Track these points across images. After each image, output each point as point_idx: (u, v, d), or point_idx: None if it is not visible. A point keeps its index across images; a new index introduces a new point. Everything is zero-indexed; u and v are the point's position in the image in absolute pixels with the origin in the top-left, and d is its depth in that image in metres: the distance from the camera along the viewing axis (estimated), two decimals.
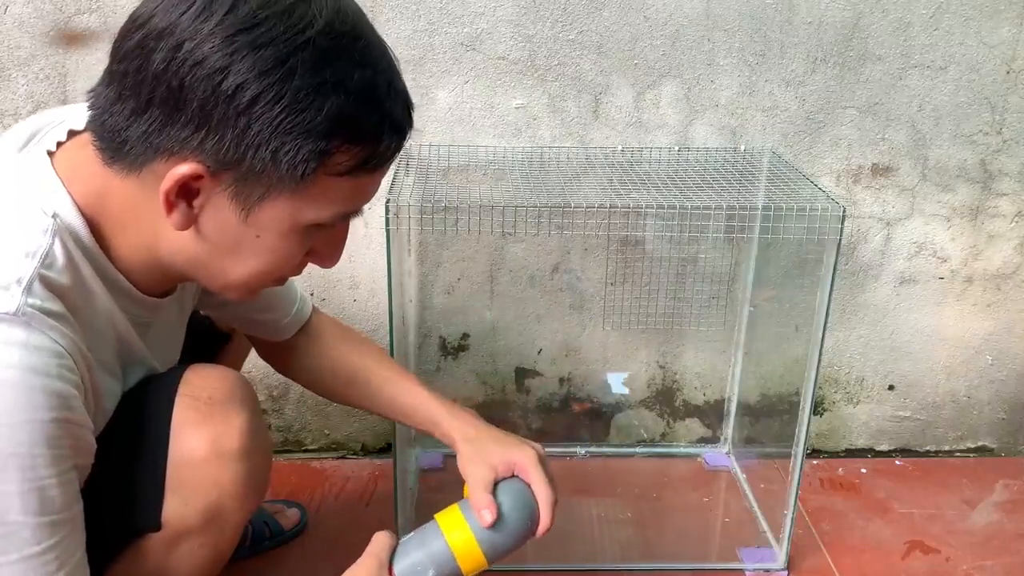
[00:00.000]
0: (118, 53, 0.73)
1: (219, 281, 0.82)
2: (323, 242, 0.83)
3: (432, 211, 1.15)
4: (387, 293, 1.21)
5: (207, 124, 0.70)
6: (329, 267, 0.86)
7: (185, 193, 0.74)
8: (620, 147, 1.43)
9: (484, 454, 1.01)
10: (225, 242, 0.78)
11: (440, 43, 1.38)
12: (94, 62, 1.36)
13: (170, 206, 0.74)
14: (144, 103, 0.71)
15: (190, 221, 0.76)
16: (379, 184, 0.81)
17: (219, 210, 0.75)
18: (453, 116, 1.42)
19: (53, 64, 1.36)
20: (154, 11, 0.71)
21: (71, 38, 1.35)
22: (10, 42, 1.35)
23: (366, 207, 0.82)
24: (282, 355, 1.16)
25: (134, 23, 0.72)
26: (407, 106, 0.77)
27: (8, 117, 1.38)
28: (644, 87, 1.43)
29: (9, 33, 1.34)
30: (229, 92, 0.69)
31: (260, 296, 1.07)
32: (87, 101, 0.76)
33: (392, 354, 1.27)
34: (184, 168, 0.72)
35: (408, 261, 1.49)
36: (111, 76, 0.73)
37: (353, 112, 0.72)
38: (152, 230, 0.78)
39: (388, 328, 1.25)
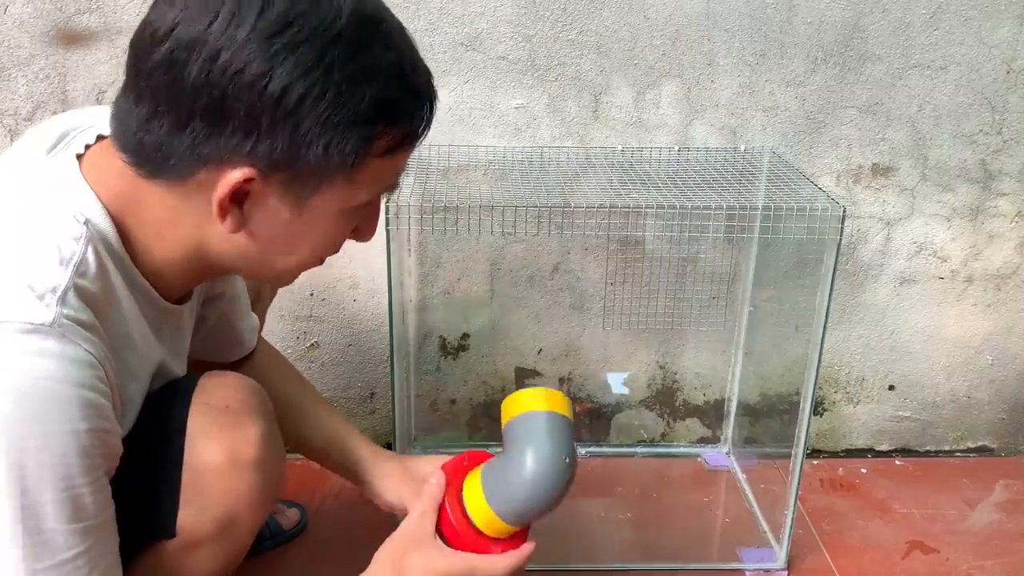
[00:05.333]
0: (142, 70, 0.72)
1: (265, 273, 0.85)
2: (363, 218, 0.85)
3: (432, 211, 1.15)
4: (387, 293, 1.21)
5: (257, 129, 0.71)
6: (368, 239, 0.88)
7: (236, 197, 0.75)
8: (620, 147, 1.43)
9: (407, 465, 1.10)
10: (276, 237, 0.79)
11: (440, 43, 1.38)
12: (94, 62, 1.36)
13: (223, 212, 0.75)
14: (185, 117, 0.71)
15: (242, 223, 0.77)
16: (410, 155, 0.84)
17: (270, 208, 0.77)
18: (453, 116, 1.42)
19: (53, 64, 1.36)
20: (175, 22, 0.70)
21: (71, 38, 1.35)
22: (10, 42, 1.35)
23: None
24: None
25: (154, 36, 0.71)
26: (429, 80, 0.80)
27: (8, 117, 1.38)
28: (644, 87, 1.43)
29: (9, 33, 1.34)
30: (276, 95, 0.70)
31: (237, 308, 1.10)
32: (111, 121, 0.76)
33: (392, 354, 1.27)
34: (237, 174, 0.73)
35: (408, 261, 1.50)
36: (140, 93, 0.73)
37: (389, 95, 0.74)
38: (197, 235, 0.79)
39: (388, 328, 1.25)
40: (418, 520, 0.98)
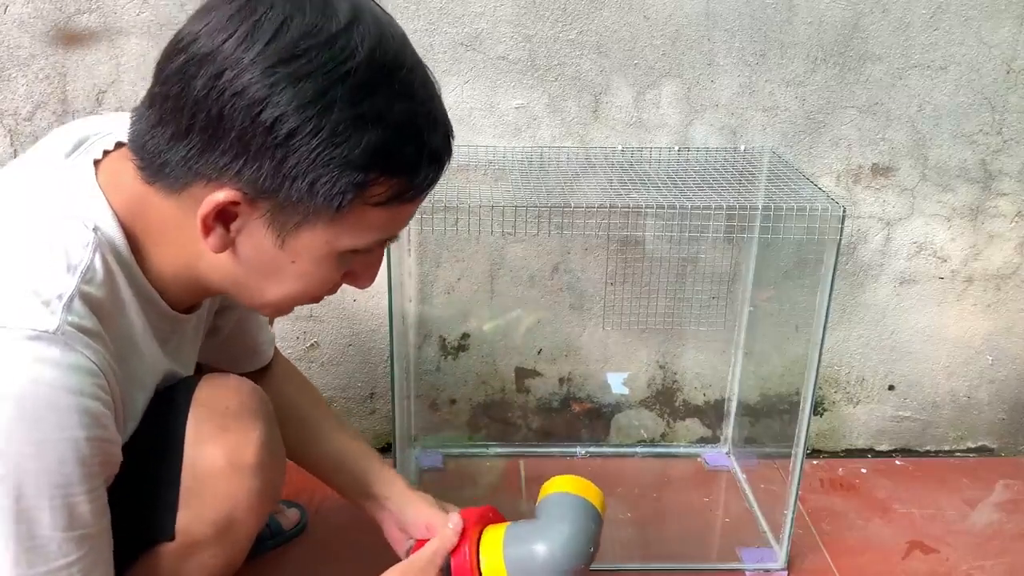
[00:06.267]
0: (160, 75, 0.73)
1: (256, 300, 0.83)
2: (359, 265, 0.84)
3: (432, 211, 1.15)
4: (387, 293, 1.21)
5: (245, 153, 0.70)
6: (364, 287, 0.87)
7: (222, 217, 0.75)
8: (620, 147, 1.43)
9: (439, 503, 1.08)
10: (261, 265, 0.78)
11: (440, 43, 1.38)
12: (94, 62, 1.36)
13: (207, 230, 0.75)
14: (184, 128, 0.71)
15: (227, 244, 0.77)
16: (415, 210, 0.81)
17: (256, 235, 0.76)
18: (453, 116, 1.39)
19: (53, 64, 1.36)
20: (198, 34, 0.71)
21: (71, 38, 1.35)
22: (10, 42, 1.35)
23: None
24: None
25: (177, 45, 0.72)
26: (447, 135, 0.78)
27: (8, 117, 1.38)
28: (644, 87, 1.43)
29: (9, 33, 1.34)
30: (267, 124, 0.69)
31: (251, 319, 1.09)
32: (130, 120, 0.77)
33: (392, 354, 1.27)
34: (221, 195, 0.72)
35: (408, 261, 1.49)
36: (153, 98, 0.74)
37: (391, 145, 0.72)
38: (190, 249, 0.79)
39: (388, 328, 1.25)
40: (429, 557, 0.99)
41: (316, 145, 0.70)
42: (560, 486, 1.02)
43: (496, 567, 0.98)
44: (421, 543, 1.04)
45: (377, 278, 0.88)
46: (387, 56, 0.72)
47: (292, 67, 0.69)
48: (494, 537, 1.01)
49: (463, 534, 1.01)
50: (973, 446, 1.70)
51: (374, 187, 0.74)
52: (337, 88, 0.69)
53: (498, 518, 1.06)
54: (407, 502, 1.09)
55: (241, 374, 1.11)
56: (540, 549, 0.97)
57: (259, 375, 1.15)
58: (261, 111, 0.69)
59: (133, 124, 0.76)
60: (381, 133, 0.71)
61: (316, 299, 0.85)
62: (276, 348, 1.19)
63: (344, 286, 0.86)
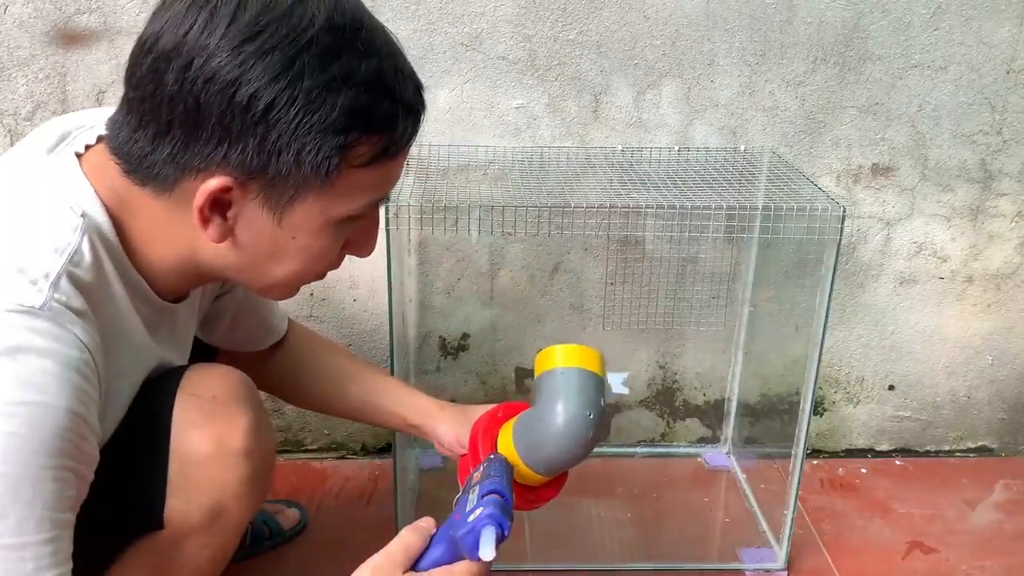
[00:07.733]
0: (132, 80, 0.74)
1: (261, 283, 0.84)
2: (357, 232, 0.84)
3: (432, 211, 1.15)
4: (387, 293, 1.21)
5: (228, 137, 0.71)
6: (366, 256, 0.87)
7: (218, 206, 0.75)
8: (620, 147, 1.43)
9: (467, 412, 1.08)
10: (262, 247, 0.79)
11: (440, 43, 1.38)
12: (94, 62, 1.36)
13: (205, 221, 0.76)
14: (165, 126, 0.72)
15: (226, 233, 0.77)
16: (402, 167, 0.82)
17: (252, 218, 0.77)
18: (453, 116, 1.42)
19: (53, 64, 1.36)
20: (160, 32, 0.72)
21: (71, 38, 1.35)
22: (10, 42, 1.35)
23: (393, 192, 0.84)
24: (257, 364, 1.15)
25: (143, 47, 0.73)
26: (417, 88, 0.78)
27: (8, 117, 1.38)
28: (644, 87, 1.43)
29: (9, 33, 1.34)
30: (244, 103, 0.70)
31: (253, 300, 1.09)
32: (106, 130, 0.77)
33: (392, 354, 1.27)
34: (213, 183, 0.73)
35: (408, 261, 1.49)
36: (129, 104, 0.75)
37: (365, 103, 0.73)
38: (189, 243, 0.79)
39: (388, 328, 1.25)
40: (397, 547, 0.84)
41: (294, 115, 0.71)
42: (548, 361, 0.98)
43: (516, 463, 0.97)
44: (464, 458, 1.05)
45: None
46: (345, 18, 0.73)
47: (256, 43, 0.70)
48: (507, 433, 1.00)
49: (476, 452, 1.00)
50: (973, 446, 1.70)
51: (356, 148, 0.74)
52: (303, 56, 0.70)
53: (510, 410, 1.05)
54: (437, 424, 1.11)
55: (259, 351, 1.14)
56: (541, 435, 0.96)
57: (276, 348, 1.17)
58: (235, 92, 0.70)
59: (113, 134, 0.77)
60: (354, 93, 0.72)
61: (320, 275, 0.86)
62: (290, 320, 1.20)
63: (347, 260, 0.87)
